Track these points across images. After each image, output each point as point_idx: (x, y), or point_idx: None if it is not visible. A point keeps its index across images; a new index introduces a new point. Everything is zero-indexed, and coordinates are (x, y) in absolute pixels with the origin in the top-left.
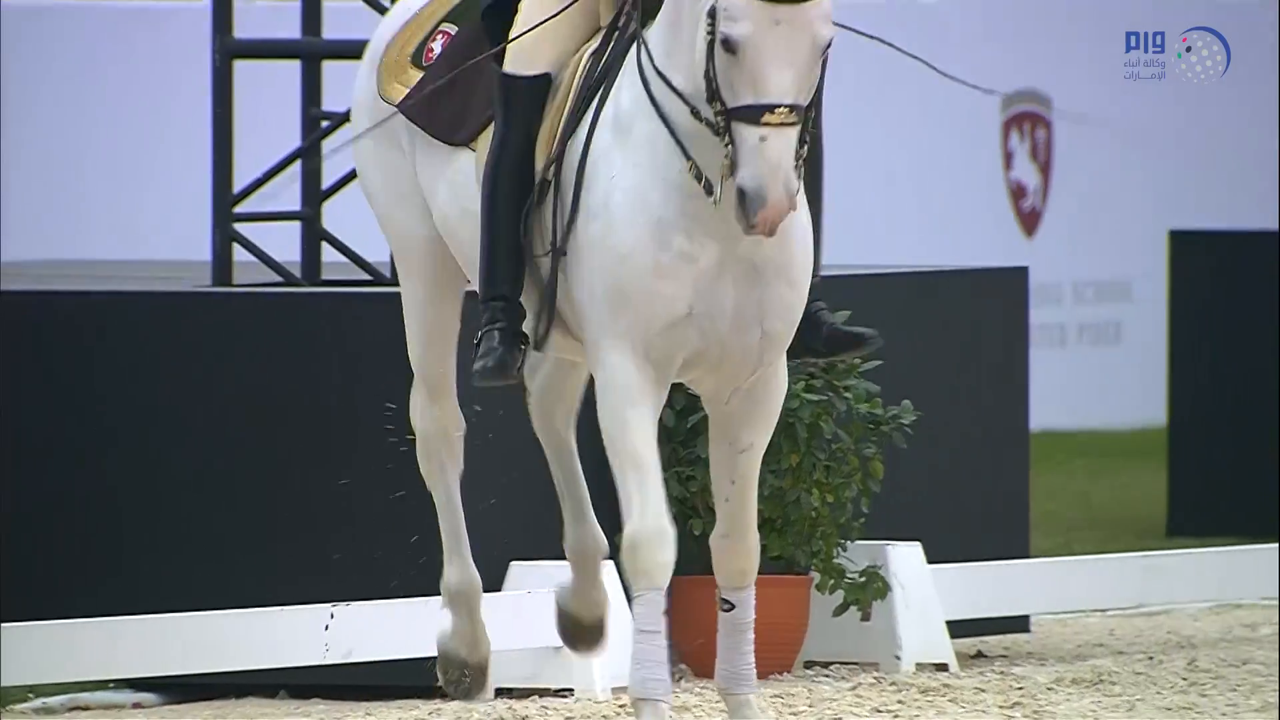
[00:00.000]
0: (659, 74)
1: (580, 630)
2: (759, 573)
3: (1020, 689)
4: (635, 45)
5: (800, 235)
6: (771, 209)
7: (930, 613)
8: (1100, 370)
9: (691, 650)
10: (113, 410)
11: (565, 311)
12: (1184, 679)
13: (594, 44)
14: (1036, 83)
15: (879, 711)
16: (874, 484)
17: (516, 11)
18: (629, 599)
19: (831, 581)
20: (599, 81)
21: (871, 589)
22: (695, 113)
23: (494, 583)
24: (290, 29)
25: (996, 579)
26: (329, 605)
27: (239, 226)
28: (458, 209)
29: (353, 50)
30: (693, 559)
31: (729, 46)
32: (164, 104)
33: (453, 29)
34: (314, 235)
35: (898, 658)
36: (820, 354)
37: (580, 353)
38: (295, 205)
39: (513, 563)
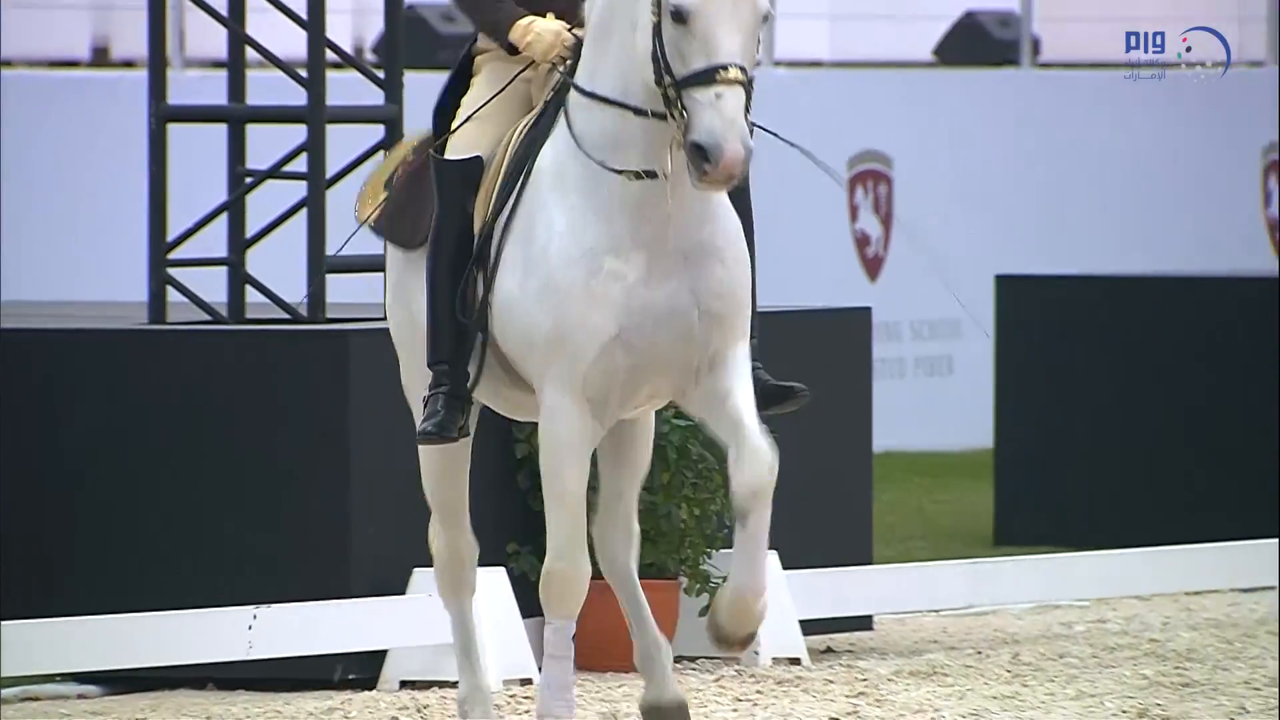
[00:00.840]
0: (587, 95)
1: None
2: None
3: (864, 680)
4: (563, 103)
5: (731, 224)
6: (729, 158)
7: (785, 613)
8: (935, 399)
9: (582, 643)
10: (61, 432)
11: (509, 359)
12: (1008, 671)
13: (524, 122)
14: (877, 144)
15: (740, 700)
16: None
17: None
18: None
19: (698, 585)
20: (529, 149)
21: None
22: (629, 108)
23: (399, 587)
24: (218, 95)
25: (843, 583)
26: (252, 607)
27: (172, 271)
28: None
29: (273, 114)
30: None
31: (679, 16)
32: (107, 162)
33: (412, 156)
34: (239, 279)
35: (756, 653)
36: (760, 410)
37: (509, 407)
38: (223, 252)
39: (415, 569)
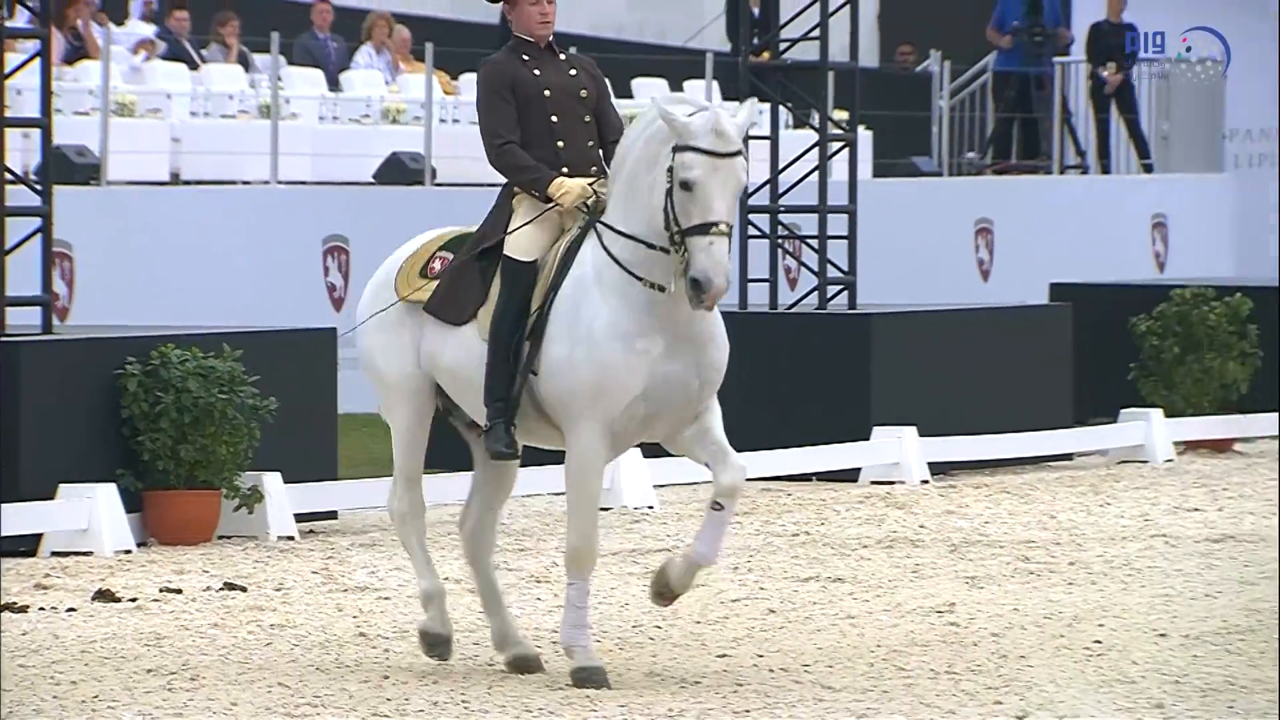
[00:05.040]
0: (618, 233)
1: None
2: (196, 489)
3: (332, 548)
4: (593, 230)
5: (718, 316)
6: (715, 291)
7: (283, 508)
8: None
9: (163, 529)
10: None
11: (546, 405)
12: (437, 544)
13: (564, 240)
14: None
15: (258, 562)
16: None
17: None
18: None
19: (233, 494)
20: (568, 258)
21: (253, 497)
22: (650, 245)
23: (51, 495)
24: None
25: (320, 490)
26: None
27: None
28: (470, 360)
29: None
30: (166, 481)
31: (686, 186)
32: None
33: (448, 255)
34: None
35: (267, 534)
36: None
37: (539, 438)
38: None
39: (60, 485)
